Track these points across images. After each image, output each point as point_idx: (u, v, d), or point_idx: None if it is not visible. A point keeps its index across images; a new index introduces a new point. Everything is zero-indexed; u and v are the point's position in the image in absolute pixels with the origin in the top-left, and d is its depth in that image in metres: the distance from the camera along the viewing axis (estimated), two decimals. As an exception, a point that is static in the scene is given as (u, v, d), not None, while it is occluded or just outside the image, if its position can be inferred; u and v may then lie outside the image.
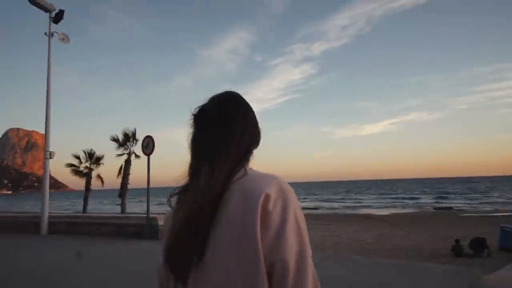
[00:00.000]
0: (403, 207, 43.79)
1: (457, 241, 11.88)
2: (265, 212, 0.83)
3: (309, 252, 0.86)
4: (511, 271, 6.26)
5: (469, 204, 45.48)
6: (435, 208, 41.69)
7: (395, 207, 43.26)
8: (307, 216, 0.90)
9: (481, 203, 45.71)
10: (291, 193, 0.89)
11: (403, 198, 59.15)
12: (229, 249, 0.82)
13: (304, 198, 66.36)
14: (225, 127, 0.97)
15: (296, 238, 0.84)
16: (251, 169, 0.97)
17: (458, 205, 43.79)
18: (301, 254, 0.83)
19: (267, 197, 0.84)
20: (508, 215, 29.67)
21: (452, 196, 60.38)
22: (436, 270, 5.09)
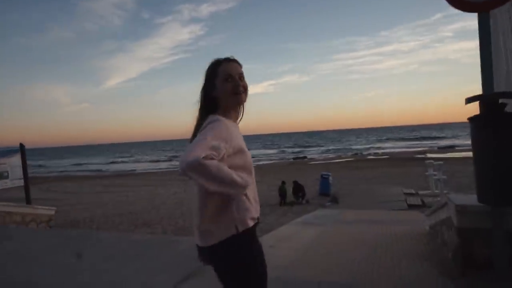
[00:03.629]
0: (269, 159, 45.97)
1: (283, 182, 12.39)
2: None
3: (207, 140, 1.30)
4: (291, 226, 5.86)
5: (320, 153, 50.45)
6: (293, 158, 45.08)
7: (259, 160, 44.89)
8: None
9: (326, 151, 51.22)
10: (212, 123, 1.40)
11: (276, 151, 62.59)
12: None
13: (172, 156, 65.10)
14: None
15: (202, 136, 1.35)
16: (213, 116, 1.46)
17: (312, 155, 48.09)
18: (200, 139, 1.33)
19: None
20: (346, 160, 33.71)
21: (311, 147, 66.51)
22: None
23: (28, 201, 8.83)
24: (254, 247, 1.46)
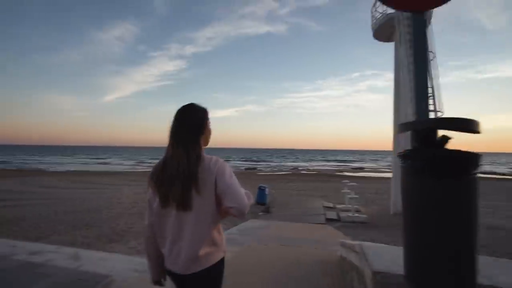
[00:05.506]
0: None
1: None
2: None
3: (237, 182, 1.26)
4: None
5: (270, 166, 49.59)
6: (245, 169, 43.59)
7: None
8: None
9: (270, 165, 50.56)
10: (226, 165, 1.31)
11: (233, 162, 60.70)
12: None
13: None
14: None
15: (233, 179, 1.26)
16: (215, 157, 1.34)
17: (260, 168, 46.94)
18: (232, 181, 1.24)
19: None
20: (285, 174, 32.94)
21: (261, 161, 65.62)
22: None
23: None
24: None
